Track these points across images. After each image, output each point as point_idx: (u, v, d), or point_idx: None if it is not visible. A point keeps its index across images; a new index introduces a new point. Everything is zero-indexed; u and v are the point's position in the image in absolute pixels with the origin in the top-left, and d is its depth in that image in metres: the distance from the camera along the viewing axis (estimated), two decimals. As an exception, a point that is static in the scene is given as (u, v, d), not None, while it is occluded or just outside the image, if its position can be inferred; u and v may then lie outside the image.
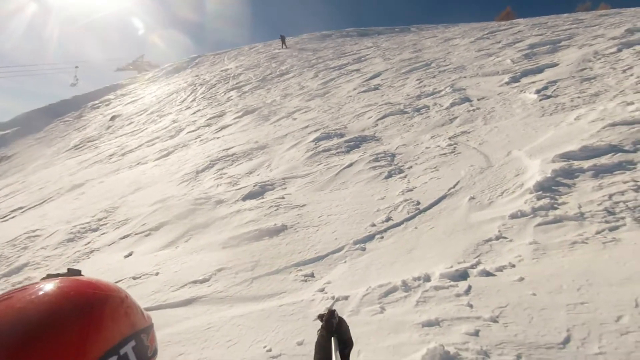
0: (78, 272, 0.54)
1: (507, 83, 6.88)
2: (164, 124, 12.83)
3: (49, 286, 0.48)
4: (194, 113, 13.10)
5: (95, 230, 5.02)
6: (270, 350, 2.08)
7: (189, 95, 16.72)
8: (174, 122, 12.47)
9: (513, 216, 2.89)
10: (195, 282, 3.06)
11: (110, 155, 10.71)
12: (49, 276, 0.51)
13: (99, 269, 3.78)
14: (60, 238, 4.93)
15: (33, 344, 0.41)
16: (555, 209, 2.84)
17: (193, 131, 10.45)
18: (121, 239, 4.53)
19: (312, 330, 2.12)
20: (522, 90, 6.24)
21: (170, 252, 3.83)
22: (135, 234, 4.52)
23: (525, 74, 7.15)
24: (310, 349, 1.95)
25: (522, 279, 2.20)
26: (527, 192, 3.17)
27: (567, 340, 1.73)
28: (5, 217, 7.26)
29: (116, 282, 3.35)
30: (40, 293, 0.46)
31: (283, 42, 23.31)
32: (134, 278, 3.37)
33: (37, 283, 0.49)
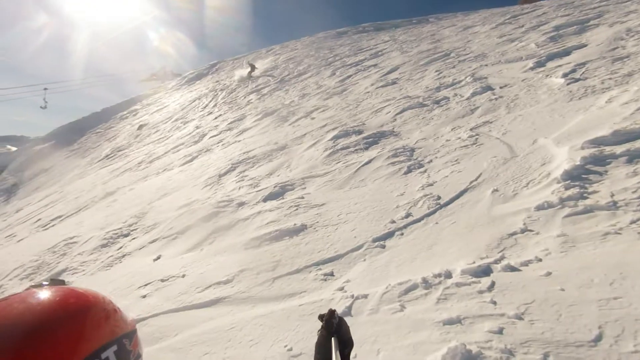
0: (62, 282, 0.57)
1: (532, 68, 6.58)
2: (188, 130, 13.22)
3: (33, 296, 0.51)
4: (216, 118, 13.41)
5: (126, 235, 5.26)
6: (290, 349, 2.10)
7: (210, 101, 17.13)
8: (197, 128, 12.82)
9: (539, 208, 2.76)
10: (219, 283, 3.13)
11: (139, 163, 11.16)
12: (32, 287, 0.54)
13: (130, 272, 3.95)
14: (95, 244, 5.20)
15: (20, 352, 0.44)
16: (585, 198, 2.69)
17: (215, 136, 10.70)
18: (150, 243, 4.72)
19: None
20: (547, 75, 5.94)
21: (196, 254, 3.95)
22: (163, 238, 4.69)
23: (551, 57, 6.81)
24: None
25: (549, 273, 2.10)
26: (555, 181, 3.02)
27: (598, 338, 1.63)
28: (46, 226, 7.75)
29: (145, 285, 3.50)
30: (24, 303, 0.49)
31: (252, 70, 18.86)
32: (162, 280, 3.50)
33: (20, 293, 0.52)
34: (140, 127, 17.87)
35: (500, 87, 6.27)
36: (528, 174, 3.37)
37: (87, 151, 18.30)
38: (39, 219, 8.47)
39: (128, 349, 0.56)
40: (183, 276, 3.47)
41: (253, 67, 18.89)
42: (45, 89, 32.26)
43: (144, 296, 3.28)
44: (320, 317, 0.86)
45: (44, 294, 0.51)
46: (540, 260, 2.25)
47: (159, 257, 4.18)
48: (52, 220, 7.92)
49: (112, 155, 15.05)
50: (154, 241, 4.70)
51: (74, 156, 18.56)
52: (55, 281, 0.56)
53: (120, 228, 5.52)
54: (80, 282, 4.18)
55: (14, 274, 5.00)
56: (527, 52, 7.81)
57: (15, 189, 17.16)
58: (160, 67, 38.72)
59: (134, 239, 5.06)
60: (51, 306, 0.50)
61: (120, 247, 4.86)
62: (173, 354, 2.37)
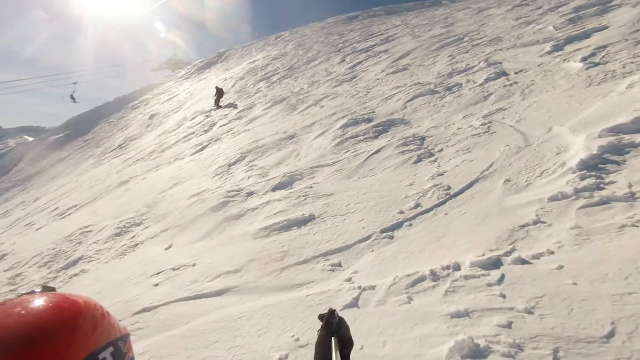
0: (52, 289, 0.58)
1: (549, 52, 6.33)
2: (198, 119, 13.27)
3: (31, 302, 0.53)
4: (226, 107, 13.41)
5: (139, 224, 5.36)
6: (298, 339, 2.12)
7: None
8: (207, 117, 12.86)
9: (553, 199, 2.69)
10: (228, 272, 3.18)
11: (151, 152, 11.30)
12: (25, 294, 0.55)
13: (142, 261, 4.04)
14: (109, 232, 5.32)
15: (22, 354, 0.46)
16: (602, 189, 2.60)
17: (225, 125, 10.72)
18: (162, 232, 4.80)
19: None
20: (565, 59, 5.71)
21: (206, 243, 4.01)
22: (174, 227, 4.77)
23: (570, 40, 6.53)
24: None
25: (561, 267, 2.05)
26: (570, 171, 2.93)
27: (611, 334, 1.59)
28: (63, 214, 7.96)
29: (158, 273, 3.57)
30: (23, 308, 0.51)
31: (219, 97, 14.13)
32: (174, 269, 3.57)
33: (13, 300, 0.53)
34: (151, 117, 18.03)
35: (515, 73, 6.07)
36: (542, 163, 3.27)
37: (101, 141, 18.61)
38: (56, 208, 8.71)
39: (123, 351, 0.58)
40: (193, 265, 3.52)
41: (221, 93, 14.29)
42: (75, 82, 32.56)
43: (156, 284, 3.35)
44: (320, 316, 0.85)
45: (38, 301, 0.52)
46: (552, 253, 2.20)
47: (170, 246, 4.25)
48: (69, 209, 8.13)
49: (124, 144, 15.27)
50: (165, 230, 4.78)
51: (88, 146, 18.92)
52: (46, 288, 0.57)
53: (133, 217, 5.63)
54: (95, 269, 4.30)
55: (33, 262, 5.18)
56: (544, 35, 7.51)
57: (33, 178, 17.64)
58: (170, 56, 38.77)
59: (146, 227, 5.15)
60: (46, 312, 0.51)
61: (133, 236, 4.96)
62: (184, 342, 2.43)
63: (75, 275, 4.30)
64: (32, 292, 0.55)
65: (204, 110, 13.72)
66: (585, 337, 1.61)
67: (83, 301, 0.57)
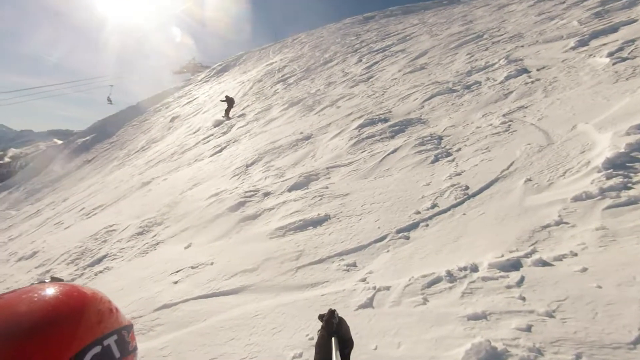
0: (61, 280, 0.61)
1: (573, 48, 6.11)
2: (218, 121, 13.52)
3: (42, 291, 0.56)
4: (244, 108, 13.61)
5: (160, 224, 5.51)
6: (312, 338, 2.13)
7: (238, 92, 17.39)
8: (226, 119, 13.08)
9: (577, 199, 2.59)
10: (245, 271, 3.22)
11: (172, 154, 11.60)
12: (35, 284, 0.59)
13: (163, 259, 4.15)
14: (132, 232, 5.50)
15: (35, 336, 0.49)
16: (629, 189, 2.49)
17: (243, 126, 10.89)
18: (182, 231, 4.92)
19: (352, 321, 2.13)
20: (591, 55, 5.49)
21: (223, 243, 4.08)
22: (194, 227, 4.88)
23: (596, 35, 6.27)
24: (350, 339, 1.97)
25: (585, 269, 1.97)
26: (595, 170, 2.82)
27: (638, 340, 1.52)
28: (89, 214, 8.29)
29: (177, 271, 3.67)
30: (37, 295, 0.55)
31: (230, 106, 13.36)
32: (193, 267, 3.65)
33: (26, 287, 0.57)
34: (172, 119, 18.51)
35: (537, 70, 5.88)
36: (565, 162, 3.16)
37: (125, 143, 19.25)
38: (83, 208, 9.07)
39: (127, 340, 0.61)
40: (212, 264, 3.59)
41: (231, 102, 13.32)
42: (111, 85, 34.69)
43: (176, 282, 3.44)
44: (320, 317, 0.86)
45: (48, 290, 0.56)
46: (575, 254, 2.12)
47: (189, 245, 4.35)
48: (95, 209, 8.45)
49: (147, 146, 15.74)
50: (185, 230, 4.90)
51: (113, 148, 19.61)
52: (55, 279, 0.61)
53: (155, 217, 5.79)
54: (119, 267, 4.46)
55: (61, 259, 5.42)
56: (568, 30, 7.25)
57: (62, 179, 18.44)
58: (189, 60, 39.70)
59: (167, 227, 5.29)
60: (55, 300, 0.55)
61: (155, 235, 5.11)
62: (201, 338, 2.48)
63: (100, 272, 4.47)
64: (42, 282, 0.59)
65: (219, 121, 13.18)
66: (610, 342, 1.55)
67: (90, 292, 0.60)
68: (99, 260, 4.86)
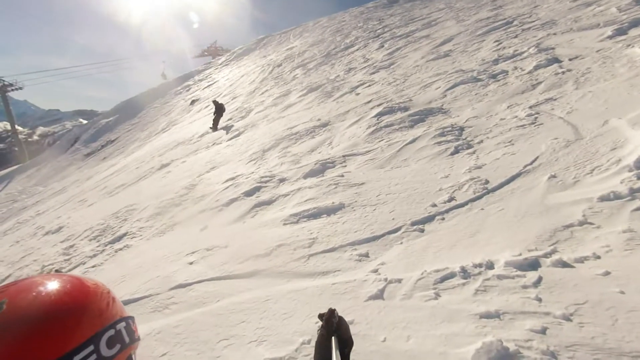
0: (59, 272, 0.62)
1: (610, 37, 5.74)
2: (236, 106, 13.59)
3: (45, 283, 0.57)
4: (262, 93, 13.60)
5: (177, 205, 5.64)
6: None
7: (257, 76, 17.36)
8: (245, 103, 13.13)
9: (604, 198, 2.47)
10: (257, 256, 3.26)
11: (191, 137, 11.77)
12: (40, 275, 0.60)
13: (180, 240, 4.26)
14: (151, 212, 5.66)
15: (50, 321, 0.51)
16: (663, 190, 2.35)
17: (261, 111, 10.90)
18: (199, 213, 5.02)
19: (362, 311, 2.13)
20: (629, 45, 5.15)
21: (238, 226, 4.14)
22: (210, 209, 4.97)
23: (636, 23, 5.87)
24: (359, 329, 1.97)
25: (607, 273, 1.89)
26: (625, 169, 2.67)
27: (661, 349, 1.46)
28: (111, 193, 8.57)
29: (193, 252, 3.75)
30: (38, 288, 0.56)
31: (219, 116, 11.72)
32: (207, 249, 3.73)
33: (29, 278, 0.58)
34: (192, 102, 18.72)
35: (570, 59, 5.58)
36: (594, 159, 3.01)
37: (146, 125, 19.66)
38: (106, 187, 9.39)
39: (132, 328, 0.64)
40: (226, 247, 3.66)
41: (220, 111, 11.80)
42: (164, 61, 38.65)
43: (191, 263, 3.52)
44: (320, 316, 0.85)
45: (52, 283, 0.57)
46: (598, 257, 2.03)
47: (205, 227, 4.44)
48: (117, 188, 8.73)
49: (167, 128, 16.04)
50: (201, 212, 5.00)
51: (134, 129, 20.08)
52: (59, 272, 0.62)
53: (173, 198, 5.93)
54: (137, 245, 4.61)
55: (84, 235, 5.65)
56: (605, 17, 6.80)
57: (86, 158, 19.09)
58: (211, 43, 39.77)
59: (184, 209, 5.41)
60: (62, 291, 0.56)
61: (172, 216, 5.24)
62: (214, 319, 2.54)
63: (120, 249, 4.64)
64: (49, 272, 0.60)
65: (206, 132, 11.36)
66: (630, 351, 1.49)
67: (93, 283, 0.61)
68: (119, 238, 5.03)
